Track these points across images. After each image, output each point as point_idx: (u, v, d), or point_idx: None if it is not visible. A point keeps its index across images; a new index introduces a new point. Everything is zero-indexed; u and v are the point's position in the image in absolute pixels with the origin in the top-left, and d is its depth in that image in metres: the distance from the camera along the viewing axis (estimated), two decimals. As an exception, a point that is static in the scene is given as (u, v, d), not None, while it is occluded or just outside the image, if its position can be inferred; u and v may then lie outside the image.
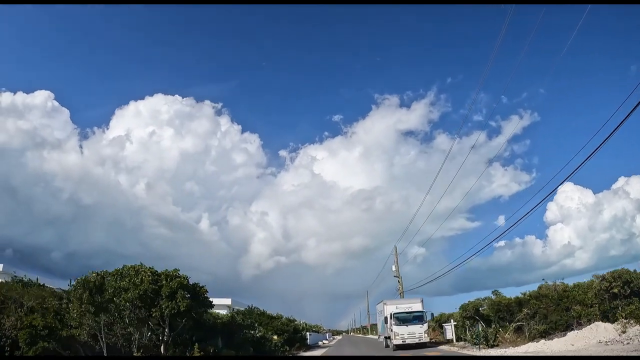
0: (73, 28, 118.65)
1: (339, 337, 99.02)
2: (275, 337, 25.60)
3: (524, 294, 28.26)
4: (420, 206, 44.87)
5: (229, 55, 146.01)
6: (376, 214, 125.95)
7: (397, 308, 29.73)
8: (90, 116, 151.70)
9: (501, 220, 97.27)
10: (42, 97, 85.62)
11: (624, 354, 12.63)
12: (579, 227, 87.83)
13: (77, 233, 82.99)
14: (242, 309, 33.39)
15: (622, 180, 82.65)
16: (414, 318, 28.53)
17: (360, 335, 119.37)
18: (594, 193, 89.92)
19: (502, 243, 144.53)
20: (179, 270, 16.09)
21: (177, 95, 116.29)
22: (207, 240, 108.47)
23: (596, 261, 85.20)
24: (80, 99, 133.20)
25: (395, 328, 28.01)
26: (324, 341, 57.46)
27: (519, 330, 25.99)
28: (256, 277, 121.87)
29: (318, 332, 69.54)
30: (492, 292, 32.31)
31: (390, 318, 28.67)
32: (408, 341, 27.60)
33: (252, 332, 24.27)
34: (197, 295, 15.97)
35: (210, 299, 17.20)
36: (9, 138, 70.45)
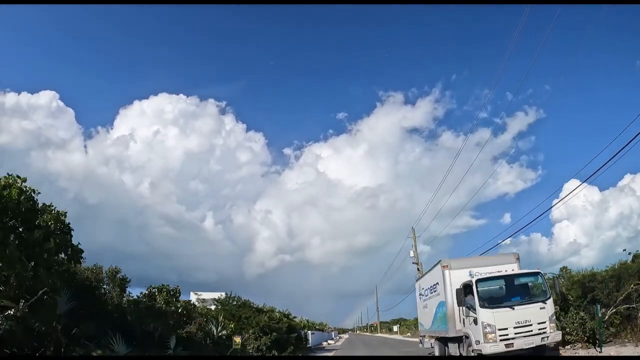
0: (78, 28, 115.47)
1: (345, 336, 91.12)
2: (237, 338, 16.21)
3: (624, 262, 19.07)
4: (430, 202, 39.00)
5: (233, 54, 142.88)
6: (380, 211, 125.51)
7: (471, 274, 13.91)
8: (95, 116, 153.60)
9: (507, 218, 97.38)
10: (47, 97, 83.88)
11: None
12: (585, 225, 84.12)
13: (83, 232, 79.92)
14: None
15: (628, 178, 77.92)
16: (518, 290, 13.19)
17: (368, 334, 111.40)
18: (600, 190, 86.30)
19: (507, 241, 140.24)
20: (23, 180, 7.20)
21: (181, 95, 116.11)
22: (211, 239, 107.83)
23: (602, 259, 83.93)
24: (85, 98, 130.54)
25: (484, 314, 12.27)
26: (329, 341, 48.39)
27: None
28: (261, 275, 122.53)
29: (322, 331, 60.39)
30: (561, 270, 23.34)
31: (465, 294, 13.19)
32: (520, 343, 11.91)
33: (210, 328, 15.22)
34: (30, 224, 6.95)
35: (79, 244, 8.16)
36: (15, 138, 69.80)
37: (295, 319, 32.30)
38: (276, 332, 21.76)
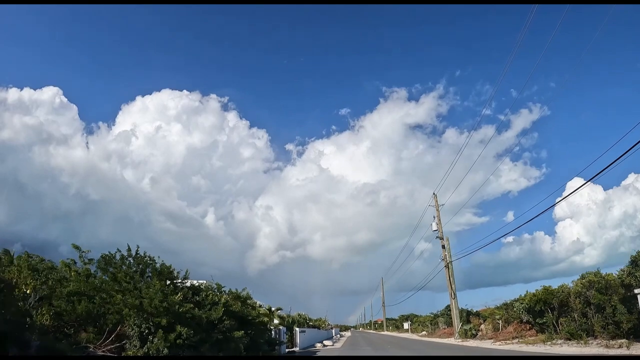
0: (83, 27, 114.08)
1: (347, 334, 79.80)
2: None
3: None
4: (445, 178, 37.06)
5: (237, 52, 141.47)
6: (382, 208, 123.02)
7: None
8: (98, 112, 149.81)
9: (510, 216, 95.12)
10: (50, 93, 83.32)
11: None
12: (589, 224, 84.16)
13: (85, 228, 79.73)
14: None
15: (632, 177, 78.25)
16: None
17: (372, 331, 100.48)
18: (604, 189, 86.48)
19: (510, 239, 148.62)
20: None
21: (184, 91, 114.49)
22: (213, 234, 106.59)
23: (605, 258, 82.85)
24: (89, 95, 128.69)
25: None
26: (326, 342, 36.56)
27: None
28: (262, 271, 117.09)
29: (319, 328, 48.54)
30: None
31: None
32: None
33: None
34: None
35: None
36: (20, 134, 69.23)
37: (261, 307, 20.31)
38: (189, 327, 9.94)
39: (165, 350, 9.34)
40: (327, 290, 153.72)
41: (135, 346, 10.15)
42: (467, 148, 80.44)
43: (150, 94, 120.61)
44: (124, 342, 10.56)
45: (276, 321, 29.75)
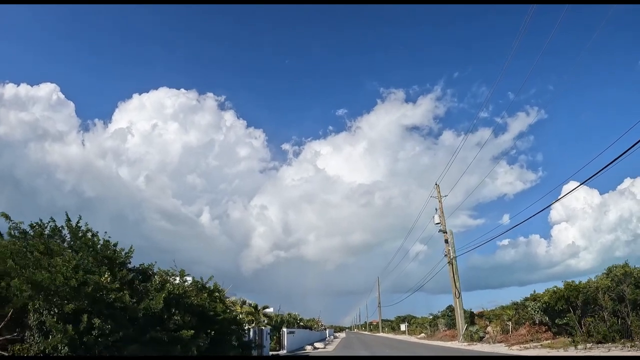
0: (82, 25, 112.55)
1: (342, 335, 76.59)
2: None
3: None
4: (438, 186, 33.69)
5: (235, 51, 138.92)
6: (377, 209, 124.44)
7: None
8: (95, 109, 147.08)
9: (506, 219, 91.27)
10: (47, 90, 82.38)
11: None
12: (584, 228, 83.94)
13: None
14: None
15: (628, 182, 78.24)
16: None
17: (367, 333, 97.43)
18: (600, 194, 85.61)
19: (505, 242, 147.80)
20: None
21: (182, 89, 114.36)
22: (208, 234, 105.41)
23: (600, 262, 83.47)
24: (86, 92, 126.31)
25: None
26: (317, 344, 33.27)
27: None
28: (257, 271, 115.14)
29: (310, 329, 45.24)
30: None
31: None
32: None
33: None
34: None
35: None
36: (16, 130, 68.49)
37: (230, 300, 17.00)
38: (114, 320, 6.72)
39: (66, 349, 6.13)
40: (321, 290, 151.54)
41: (37, 341, 6.97)
42: (463, 150, 79.29)
43: (147, 92, 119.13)
44: (26, 334, 7.40)
45: (265, 320, 26.56)
